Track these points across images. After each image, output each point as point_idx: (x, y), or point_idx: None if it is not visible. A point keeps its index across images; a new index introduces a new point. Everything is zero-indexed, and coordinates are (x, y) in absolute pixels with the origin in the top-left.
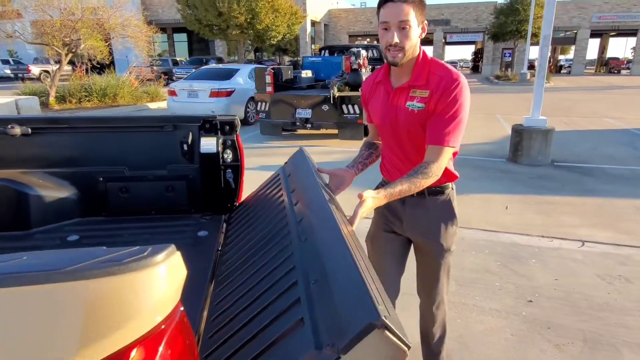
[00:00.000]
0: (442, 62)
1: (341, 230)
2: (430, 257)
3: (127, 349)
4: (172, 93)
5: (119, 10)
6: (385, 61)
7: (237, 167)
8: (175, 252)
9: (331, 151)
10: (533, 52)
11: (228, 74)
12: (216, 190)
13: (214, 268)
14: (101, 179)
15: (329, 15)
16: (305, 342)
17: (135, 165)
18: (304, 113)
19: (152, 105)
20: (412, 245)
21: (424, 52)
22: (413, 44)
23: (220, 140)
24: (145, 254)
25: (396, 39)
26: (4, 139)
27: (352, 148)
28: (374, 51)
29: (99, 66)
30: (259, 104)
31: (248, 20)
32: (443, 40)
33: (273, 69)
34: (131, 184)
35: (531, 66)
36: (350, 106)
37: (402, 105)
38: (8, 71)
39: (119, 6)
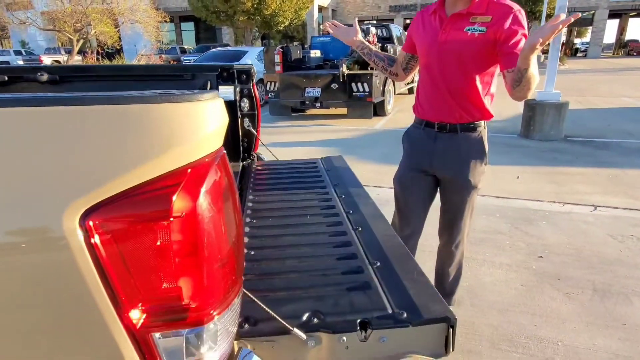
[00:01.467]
0: None
1: (395, 234)
2: (456, 194)
3: (183, 170)
4: None
5: None
6: None
7: (253, 116)
8: (219, 98)
9: (341, 129)
10: None
11: (237, 56)
12: (234, 138)
13: None
14: None
15: (336, 0)
16: (374, 302)
17: None
18: (313, 92)
19: None
20: (437, 190)
21: None
22: None
23: (237, 89)
24: (195, 92)
25: None
26: (35, 87)
27: (361, 126)
28: (383, 30)
29: (109, 52)
30: (268, 84)
31: (255, 5)
32: None
33: (282, 48)
34: None
35: (546, 50)
36: (359, 84)
37: (459, 30)
38: (21, 62)
39: None
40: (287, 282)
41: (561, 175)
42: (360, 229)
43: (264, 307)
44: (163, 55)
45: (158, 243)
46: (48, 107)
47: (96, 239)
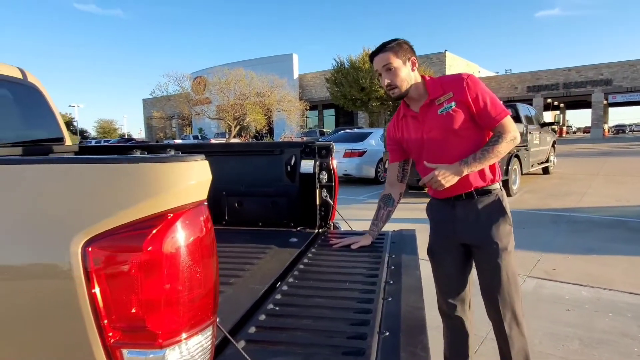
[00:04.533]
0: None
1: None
2: (487, 260)
3: (165, 214)
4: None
5: (277, 88)
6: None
7: (331, 187)
8: (204, 160)
9: None
10: None
11: (362, 136)
12: (312, 207)
13: (291, 264)
14: (224, 193)
15: None
16: None
17: (250, 183)
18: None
19: None
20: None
21: (428, 76)
22: (403, 78)
23: (317, 163)
24: (179, 154)
25: (387, 80)
26: None
27: None
28: (510, 110)
29: (258, 135)
30: (387, 162)
31: None
32: (605, 101)
33: None
34: (245, 199)
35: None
36: None
37: (434, 116)
38: None
39: (277, 86)
40: (290, 337)
41: None
42: (390, 299)
43: (245, 355)
44: (304, 137)
45: (132, 272)
46: (78, 164)
47: (91, 263)
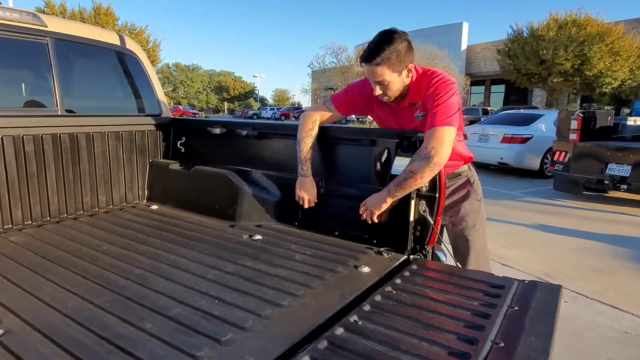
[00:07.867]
0: (432, 69)
1: None
2: (457, 234)
3: None
4: (464, 136)
5: (434, 61)
6: None
7: (432, 199)
8: None
9: None
10: None
11: (529, 119)
12: (403, 223)
13: (340, 311)
14: None
15: None
16: None
17: (329, 179)
18: (619, 170)
19: None
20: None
21: (415, 72)
22: (396, 90)
23: None
24: None
25: (377, 92)
26: (241, 138)
27: None
28: None
29: None
30: (557, 153)
31: (576, 66)
32: None
33: (584, 113)
34: (322, 197)
35: None
36: None
37: (411, 118)
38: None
39: (434, 58)
40: None
41: None
42: None
43: None
44: (463, 115)
45: None
46: None
47: None
